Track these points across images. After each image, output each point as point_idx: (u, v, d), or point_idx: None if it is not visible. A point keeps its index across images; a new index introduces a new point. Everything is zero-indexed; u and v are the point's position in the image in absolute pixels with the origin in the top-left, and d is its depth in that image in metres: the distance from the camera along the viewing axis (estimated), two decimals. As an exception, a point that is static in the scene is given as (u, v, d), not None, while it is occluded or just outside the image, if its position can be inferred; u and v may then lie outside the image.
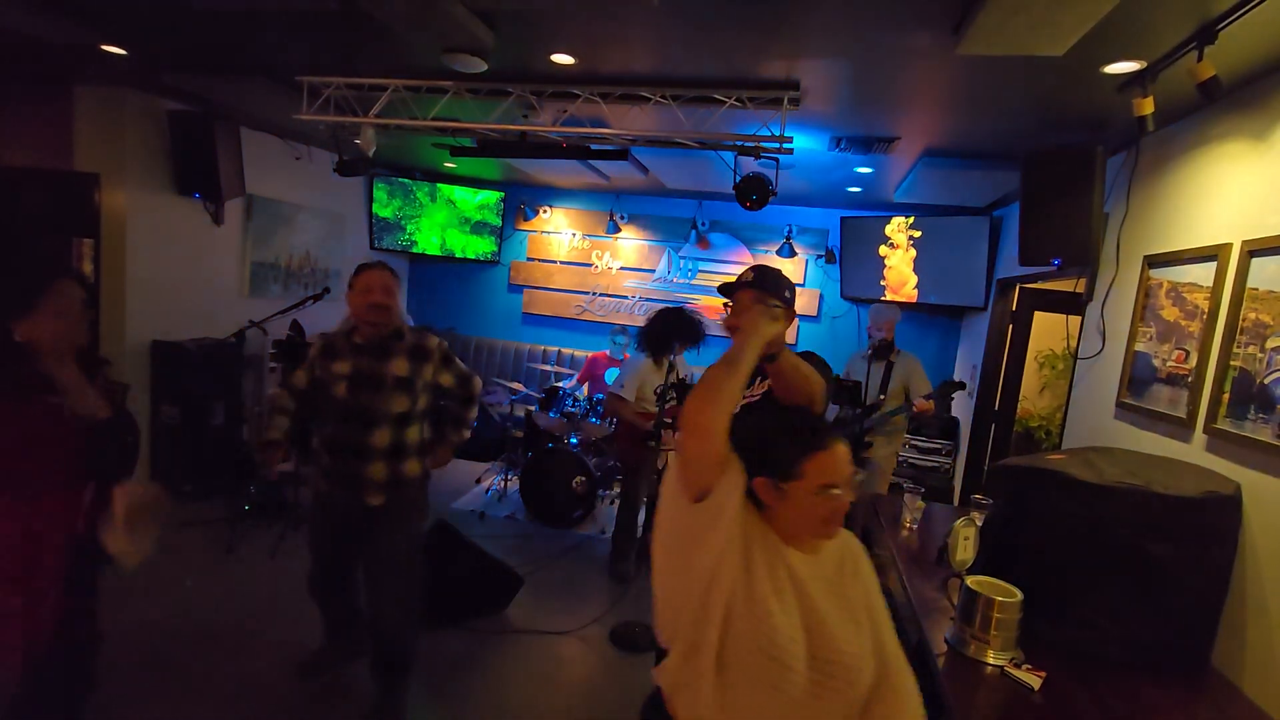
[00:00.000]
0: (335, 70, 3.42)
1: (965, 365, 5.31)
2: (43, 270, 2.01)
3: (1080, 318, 3.37)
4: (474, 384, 2.60)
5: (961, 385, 3.92)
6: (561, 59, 2.88)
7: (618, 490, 5.05)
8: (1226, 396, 2.11)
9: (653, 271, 6.34)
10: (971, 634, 1.82)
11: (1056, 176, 2.93)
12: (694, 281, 6.25)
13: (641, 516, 4.16)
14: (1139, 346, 2.72)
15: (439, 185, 6.37)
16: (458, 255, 6.54)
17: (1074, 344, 3.39)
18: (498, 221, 6.48)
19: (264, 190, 5.02)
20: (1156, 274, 2.67)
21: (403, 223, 6.42)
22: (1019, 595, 1.82)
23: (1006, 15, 1.89)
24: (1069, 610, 1.91)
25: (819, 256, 6.00)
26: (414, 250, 6.50)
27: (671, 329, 3.79)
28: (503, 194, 6.44)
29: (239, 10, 2.63)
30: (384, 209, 6.36)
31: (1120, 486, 1.88)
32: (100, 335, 4.27)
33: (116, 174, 4.15)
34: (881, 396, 3.94)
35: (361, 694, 2.59)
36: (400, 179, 6.33)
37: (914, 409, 3.82)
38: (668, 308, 3.96)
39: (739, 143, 3.24)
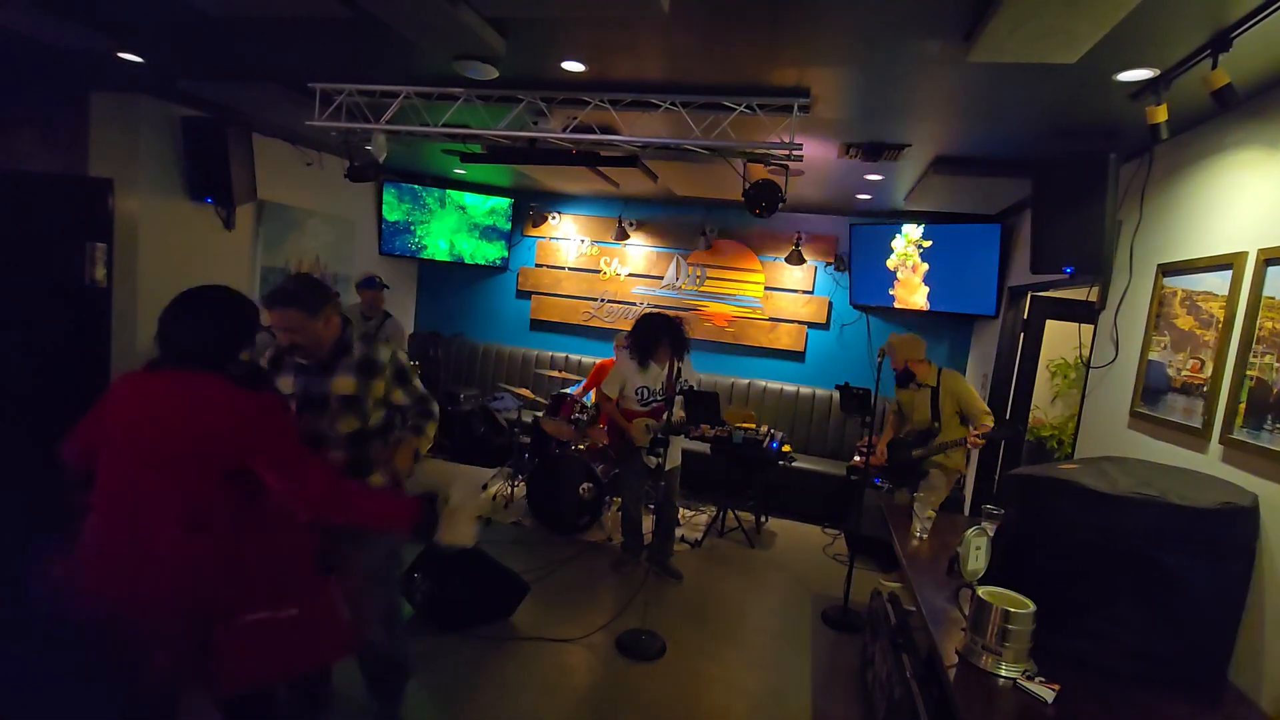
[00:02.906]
0: (347, 77, 3.45)
1: (976, 374, 5.27)
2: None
3: (1093, 326, 3.34)
4: (430, 406, 2.35)
5: (1018, 430, 3.82)
6: (572, 66, 2.89)
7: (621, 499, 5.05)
8: (1243, 406, 2.08)
9: (661, 278, 6.34)
10: (984, 645, 1.80)
11: (1068, 184, 2.91)
12: (702, 289, 6.24)
13: (650, 522, 4.15)
14: (1153, 355, 2.69)
15: (448, 191, 6.41)
16: (467, 261, 6.57)
17: (1087, 353, 3.36)
18: (507, 227, 6.51)
19: (275, 196, 5.06)
20: (1170, 283, 2.64)
21: (412, 228, 6.46)
22: (1031, 606, 1.80)
23: (1018, 22, 1.88)
24: (1083, 622, 1.88)
25: (828, 264, 5.99)
26: (423, 255, 6.53)
27: (652, 334, 3.82)
28: (512, 200, 6.46)
29: (252, 18, 2.65)
30: (393, 213, 6.40)
31: (1135, 497, 1.85)
32: (112, 339, 4.32)
33: (130, 179, 4.20)
34: (936, 425, 3.86)
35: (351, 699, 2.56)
36: (410, 185, 6.37)
37: (969, 444, 3.71)
38: (651, 313, 4.00)
39: (749, 150, 3.24)
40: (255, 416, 1.61)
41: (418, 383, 2.36)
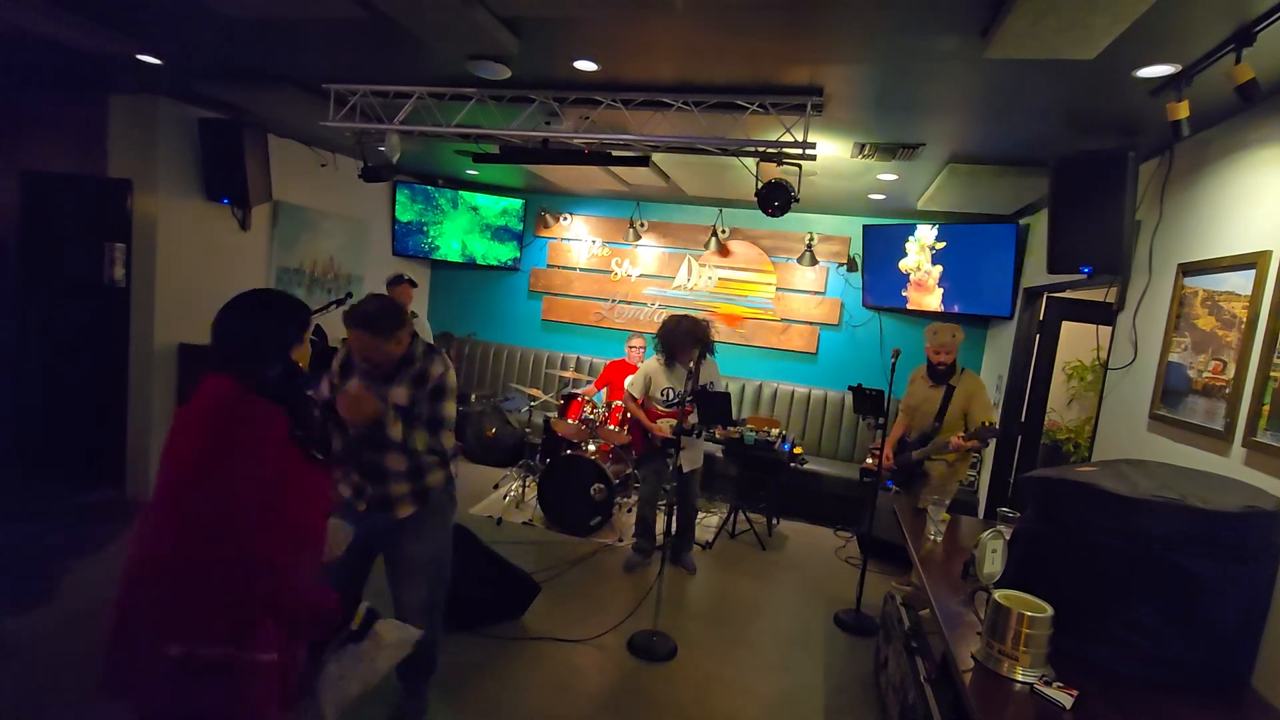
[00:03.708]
0: (362, 78, 3.47)
1: (991, 376, 5.21)
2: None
3: (1111, 328, 3.29)
4: (439, 436, 2.34)
5: (995, 432, 3.63)
6: (584, 65, 2.89)
7: (636, 499, 5.05)
8: (1267, 409, 2.04)
9: (672, 279, 6.33)
10: (1000, 650, 1.77)
11: (1087, 183, 2.87)
12: (714, 290, 6.23)
13: (663, 524, 4.14)
14: (1173, 357, 2.65)
15: (461, 192, 6.44)
16: (479, 261, 6.59)
17: (1104, 354, 3.31)
18: (519, 228, 6.53)
19: (290, 196, 5.10)
20: (1191, 282, 2.60)
21: (425, 228, 6.50)
22: (1049, 610, 1.77)
23: (1036, 18, 1.86)
24: (1102, 627, 1.85)
25: (840, 265, 5.95)
26: (435, 256, 6.56)
27: (680, 336, 3.86)
28: (524, 201, 6.48)
29: (269, 20, 2.67)
30: (406, 214, 6.44)
31: (1155, 500, 1.82)
32: (130, 338, 4.37)
33: (149, 180, 4.25)
34: (936, 425, 3.74)
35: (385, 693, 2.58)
36: (423, 186, 6.40)
37: (951, 448, 3.57)
38: (680, 314, 4.04)
39: (761, 149, 3.22)
40: (262, 459, 1.43)
41: (449, 406, 2.35)
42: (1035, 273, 4.46)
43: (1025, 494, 2.26)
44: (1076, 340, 4.85)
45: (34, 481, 4.43)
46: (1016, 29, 1.94)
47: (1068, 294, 4.31)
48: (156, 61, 3.47)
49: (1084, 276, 3.13)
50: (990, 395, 4.08)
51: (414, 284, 4.93)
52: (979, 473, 5.05)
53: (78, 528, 3.85)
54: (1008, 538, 2.13)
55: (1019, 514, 2.48)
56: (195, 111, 4.35)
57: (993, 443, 4.44)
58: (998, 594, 1.84)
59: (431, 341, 4.87)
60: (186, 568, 1.39)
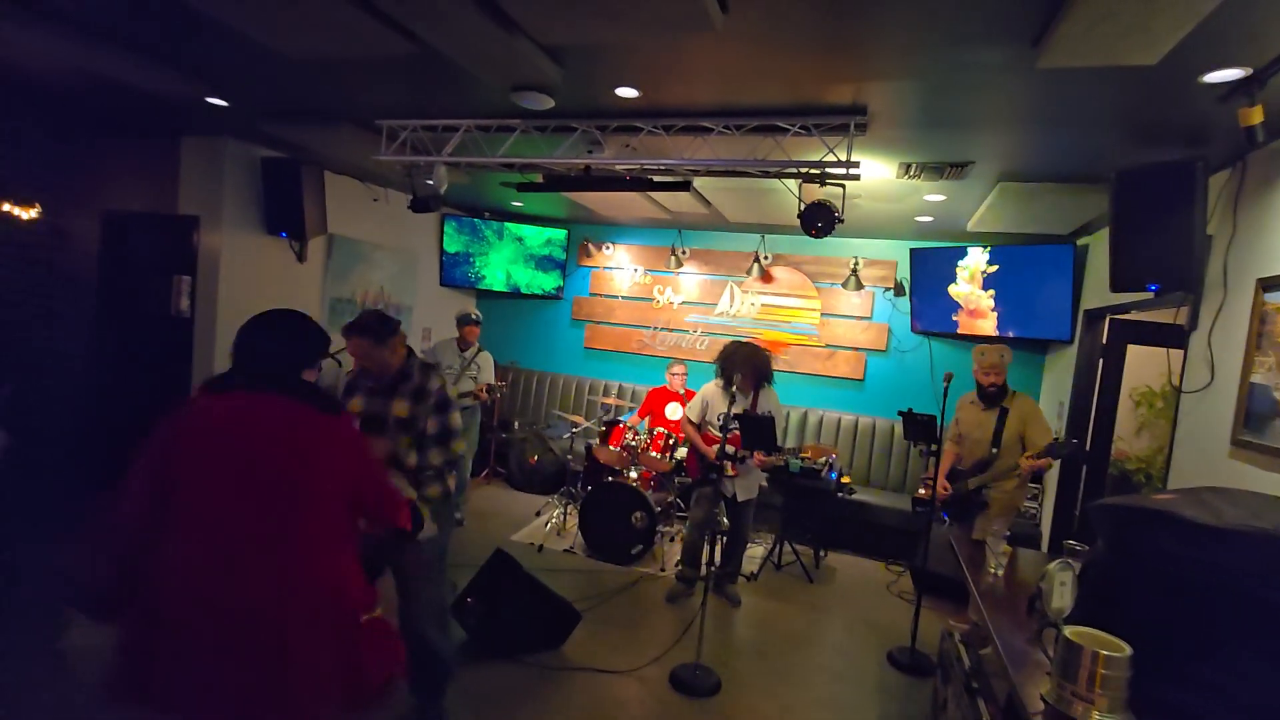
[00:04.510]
0: (412, 113, 3.60)
1: (1051, 402, 4.97)
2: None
3: (1182, 351, 3.10)
4: (453, 445, 2.52)
5: (1072, 446, 3.35)
6: (625, 93, 2.93)
7: (678, 528, 4.95)
8: (1369, 432, 1.86)
9: (714, 305, 6.30)
10: (1074, 692, 1.63)
11: (1151, 196, 2.74)
12: (756, 316, 6.16)
13: (708, 553, 4.03)
14: (1256, 378, 2.46)
15: (506, 224, 6.59)
16: (523, 290, 6.70)
17: (1176, 379, 3.11)
18: (562, 257, 6.62)
19: (344, 229, 5.31)
20: (1273, 298, 2.42)
21: (471, 259, 6.65)
22: (1127, 650, 1.63)
23: (1092, 23, 1.79)
24: (1189, 671, 1.68)
25: (887, 289, 5.82)
26: (481, 286, 6.70)
27: (737, 362, 3.84)
28: (567, 231, 6.59)
29: (328, 59, 2.80)
30: (453, 245, 6.61)
31: (1245, 530, 1.66)
32: (192, 365, 4.57)
33: (214, 215, 4.49)
34: (994, 450, 3.54)
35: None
36: (470, 218, 6.58)
37: (1021, 470, 3.34)
38: (739, 340, 4.05)
39: (804, 169, 3.19)
40: (354, 442, 1.71)
41: (455, 417, 2.53)
42: (1096, 294, 4.26)
43: (1094, 523, 2.11)
44: (1144, 365, 4.60)
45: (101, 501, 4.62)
46: (1070, 36, 1.88)
47: (1132, 315, 4.09)
48: (223, 104, 3.68)
49: (1150, 296, 2.97)
50: (1050, 421, 3.86)
51: (479, 322, 5.07)
52: (1041, 504, 4.78)
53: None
54: (1077, 570, 1.98)
55: (1087, 546, 2.31)
56: (258, 151, 4.59)
57: (1056, 464, 4.14)
58: (1068, 630, 1.70)
59: (493, 374, 5.03)
60: (319, 551, 1.57)
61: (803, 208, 3.36)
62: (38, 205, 4.51)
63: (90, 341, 4.83)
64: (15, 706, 2.50)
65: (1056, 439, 3.32)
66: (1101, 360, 4.40)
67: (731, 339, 4.40)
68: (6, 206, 4.35)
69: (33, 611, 3.06)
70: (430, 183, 3.85)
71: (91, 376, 4.84)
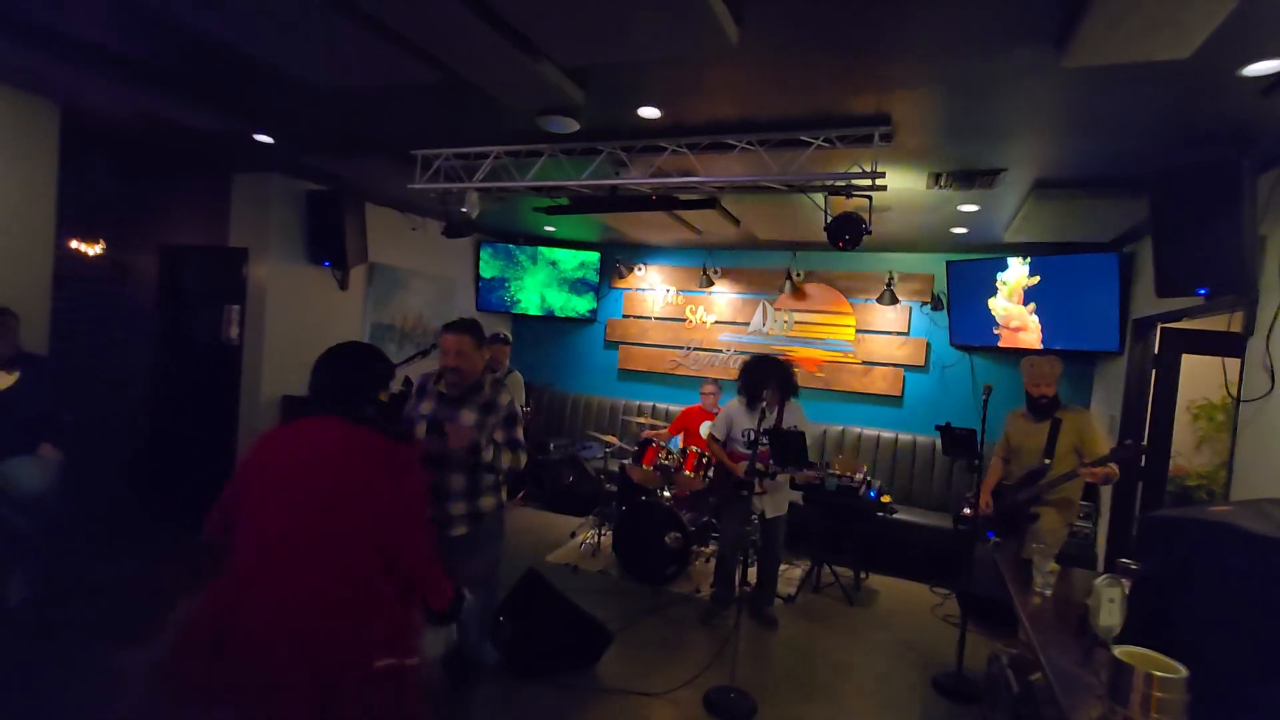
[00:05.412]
0: (445, 142, 3.73)
1: (1102, 416, 4.75)
2: None
3: (1240, 359, 2.94)
4: (519, 455, 2.65)
5: (1140, 448, 3.23)
6: (648, 113, 2.98)
7: (714, 549, 4.87)
8: None
9: (747, 324, 6.26)
10: (1126, 716, 1.53)
11: (1194, 197, 2.63)
12: (790, 334, 6.10)
13: (740, 572, 3.95)
14: (1320, 383, 2.32)
15: (540, 248, 6.71)
16: (557, 314, 6.79)
17: (1234, 388, 2.95)
18: (595, 279, 6.70)
19: (384, 258, 5.48)
20: (1334, 298, 2.29)
21: (506, 284, 6.78)
22: (1183, 671, 1.52)
23: (1117, 18, 1.75)
24: (1252, 693, 1.56)
25: (924, 303, 5.70)
26: (516, 310, 6.81)
27: (761, 377, 3.79)
28: (600, 254, 6.66)
29: (360, 89, 2.93)
30: (489, 271, 6.76)
31: (1310, 542, 1.55)
32: (241, 391, 4.74)
33: (261, 247, 4.69)
34: (1047, 461, 3.38)
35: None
36: (504, 244, 6.72)
37: (1080, 475, 3.20)
38: (762, 355, 4.00)
39: (829, 182, 3.17)
40: (404, 469, 1.76)
41: (519, 431, 2.68)
42: (1145, 303, 4.08)
43: (1147, 537, 2.00)
44: (1202, 377, 4.36)
45: (153, 523, 4.80)
46: (1094, 33, 1.83)
47: (1184, 324, 3.90)
48: (269, 140, 3.87)
49: (1201, 301, 2.84)
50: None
51: (509, 342, 5.14)
52: (1095, 523, 4.56)
53: (186, 568, 4.10)
54: (1127, 587, 1.88)
55: (1140, 562, 2.19)
56: (302, 185, 4.80)
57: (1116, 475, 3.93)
58: (1118, 650, 1.61)
59: (523, 395, 5.10)
60: (357, 587, 1.62)
61: (829, 220, 3.33)
62: (102, 241, 4.79)
63: (148, 369, 5.07)
64: None
65: (1126, 443, 3.16)
66: (1154, 371, 4.20)
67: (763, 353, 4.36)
68: (75, 244, 4.64)
69: (86, 628, 3.19)
70: (464, 210, 3.97)
71: (148, 402, 5.07)
